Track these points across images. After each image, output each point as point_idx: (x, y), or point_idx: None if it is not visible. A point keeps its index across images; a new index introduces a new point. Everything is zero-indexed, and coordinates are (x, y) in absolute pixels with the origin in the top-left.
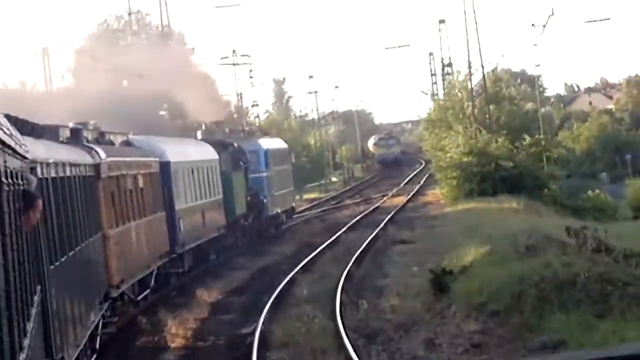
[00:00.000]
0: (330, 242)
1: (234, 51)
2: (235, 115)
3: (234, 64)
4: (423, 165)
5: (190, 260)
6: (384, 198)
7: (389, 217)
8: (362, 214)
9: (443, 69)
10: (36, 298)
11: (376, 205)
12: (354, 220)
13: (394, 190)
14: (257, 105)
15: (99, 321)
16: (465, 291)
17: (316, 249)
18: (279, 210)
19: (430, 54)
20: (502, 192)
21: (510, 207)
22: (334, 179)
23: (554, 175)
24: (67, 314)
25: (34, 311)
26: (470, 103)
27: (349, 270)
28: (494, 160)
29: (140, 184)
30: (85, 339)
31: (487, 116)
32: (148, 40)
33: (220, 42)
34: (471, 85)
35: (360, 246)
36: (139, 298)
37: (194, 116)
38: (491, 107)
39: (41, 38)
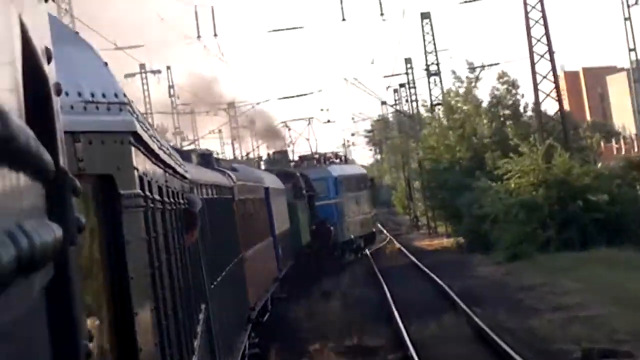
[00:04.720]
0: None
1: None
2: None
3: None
4: None
5: (280, 286)
6: (362, 252)
7: (442, 287)
8: (380, 280)
9: (429, 77)
10: (201, 316)
11: (370, 264)
12: (388, 292)
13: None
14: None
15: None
16: None
17: None
18: (352, 237)
19: (407, 60)
20: (594, 241)
21: (628, 265)
22: None
23: None
24: (225, 333)
25: (199, 329)
26: (482, 119)
27: None
28: (581, 194)
29: (256, 208)
30: (239, 359)
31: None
32: None
33: None
34: (536, 87)
35: None
36: (264, 320)
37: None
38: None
39: None
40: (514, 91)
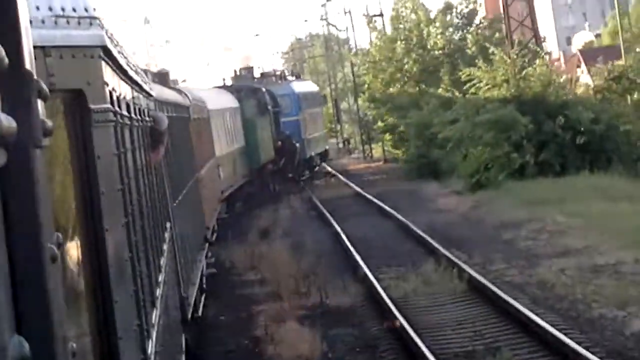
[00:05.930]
0: None
1: None
2: None
3: None
4: None
5: (225, 207)
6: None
7: (405, 225)
8: (326, 215)
9: None
10: (167, 235)
11: (307, 195)
12: (341, 232)
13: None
14: None
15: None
16: None
17: None
18: (312, 154)
19: None
20: (574, 166)
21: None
22: None
23: None
24: (187, 252)
25: (165, 247)
26: (434, 28)
27: None
28: (559, 111)
29: (205, 127)
30: (199, 278)
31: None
32: None
33: None
34: None
35: None
36: (212, 240)
37: None
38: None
39: None
40: None
